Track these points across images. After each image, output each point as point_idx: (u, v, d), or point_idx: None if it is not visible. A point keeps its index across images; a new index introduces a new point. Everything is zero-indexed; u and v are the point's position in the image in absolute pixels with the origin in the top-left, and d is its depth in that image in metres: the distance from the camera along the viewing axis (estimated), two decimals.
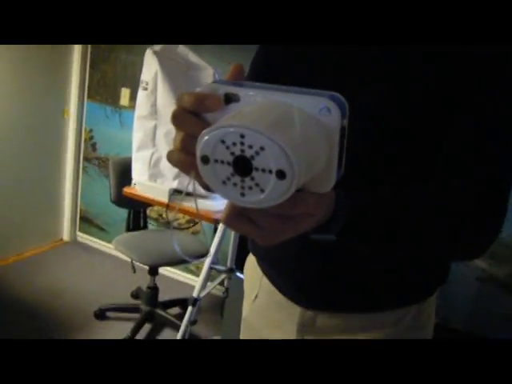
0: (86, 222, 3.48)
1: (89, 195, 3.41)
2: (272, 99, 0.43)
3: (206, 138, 0.40)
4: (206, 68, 2.08)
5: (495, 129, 0.67)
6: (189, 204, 2.00)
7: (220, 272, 2.16)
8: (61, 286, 2.84)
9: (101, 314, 2.57)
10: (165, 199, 2.09)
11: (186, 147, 0.44)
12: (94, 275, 3.06)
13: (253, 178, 0.39)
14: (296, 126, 0.40)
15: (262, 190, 0.40)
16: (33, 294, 2.71)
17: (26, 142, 3.03)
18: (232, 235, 2.15)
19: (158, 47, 2.06)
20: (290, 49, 0.80)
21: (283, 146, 0.37)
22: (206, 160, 0.40)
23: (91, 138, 3.31)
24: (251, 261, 0.99)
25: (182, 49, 2.10)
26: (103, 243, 3.40)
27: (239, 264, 2.12)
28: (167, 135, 2.11)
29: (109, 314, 2.61)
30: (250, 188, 0.40)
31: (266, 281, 0.91)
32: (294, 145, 0.38)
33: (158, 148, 2.14)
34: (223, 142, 0.39)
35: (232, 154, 0.39)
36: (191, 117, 0.44)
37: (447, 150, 0.69)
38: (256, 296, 0.96)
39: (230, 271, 2.10)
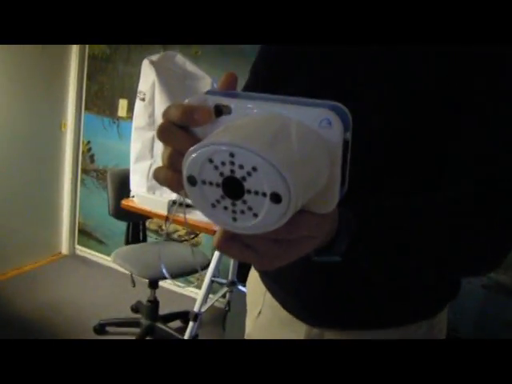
0: (85, 235, 3.45)
1: (87, 208, 3.38)
2: (267, 111, 0.39)
3: (193, 156, 0.36)
4: (204, 77, 2.05)
5: (498, 129, 0.64)
6: (188, 216, 1.97)
7: (221, 285, 2.12)
8: (60, 301, 2.80)
9: (100, 329, 2.53)
10: (164, 211, 2.05)
11: (174, 164, 0.40)
12: (93, 289, 3.03)
13: (245, 202, 0.35)
14: (293, 142, 0.36)
15: (256, 215, 0.35)
16: (32, 308, 2.68)
17: (23, 155, 3.01)
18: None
19: (155, 57, 2.04)
20: (290, 51, 0.77)
21: (278, 166, 0.33)
22: (192, 181, 0.36)
23: (89, 149, 3.28)
24: (254, 275, 0.95)
25: (180, 58, 2.07)
26: (102, 256, 3.36)
27: (241, 277, 2.08)
28: None
29: (108, 328, 2.57)
30: (243, 212, 0.36)
31: (269, 296, 0.88)
32: (291, 164, 0.34)
33: (156, 159, 2.11)
34: (211, 161, 0.35)
35: (221, 174, 0.35)
36: (179, 131, 0.41)
37: (451, 153, 0.66)
38: (259, 312, 0.93)
39: (232, 284, 2.06)
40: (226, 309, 2.04)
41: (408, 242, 0.57)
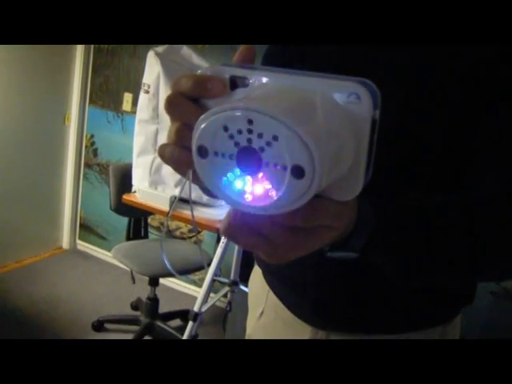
0: (86, 229, 3.42)
1: (89, 202, 3.35)
2: (288, 84, 0.35)
3: (205, 124, 0.32)
4: None
5: None
6: (190, 213, 1.92)
7: (223, 284, 2.07)
8: (59, 296, 2.78)
9: (99, 326, 2.50)
10: (166, 207, 2.01)
11: (182, 140, 0.37)
12: (93, 285, 3.00)
13: (261, 176, 0.32)
14: (318, 114, 0.32)
15: (273, 192, 0.32)
16: (30, 302, 2.65)
17: (25, 147, 2.98)
18: (236, 245, 2.06)
19: (160, 49, 1.99)
20: (306, 45, 0.72)
21: (302, 136, 0.30)
22: (203, 152, 0.33)
23: (92, 143, 3.25)
24: (257, 273, 0.91)
25: (186, 50, 2.02)
26: (103, 252, 3.33)
27: (243, 276, 2.03)
28: None
29: (107, 325, 2.54)
30: (258, 188, 0.32)
31: (272, 296, 0.84)
32: (316, 136, 0.30)
33: None
34: (226, 129, 0.31)
35: (236, 144, 0.31)
36: (189, 103, 0.37)
37: (475, 152, 0.62)
38: (262, 312, 0.89)
39: (234, 284, 2.01)
40: (228, 309, 1.99)
41: (431, 241, 0.52)
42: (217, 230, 1.96)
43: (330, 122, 0.33)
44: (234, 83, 0.37)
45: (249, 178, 0.32)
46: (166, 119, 2.03)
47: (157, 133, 2.06)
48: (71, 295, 2.80)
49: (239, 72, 0.37)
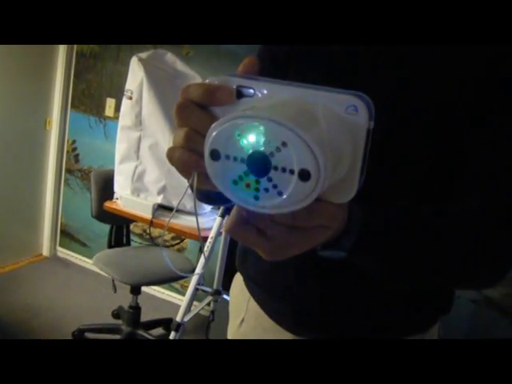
0: (67, 236, 3.35)
1: (70, 209, 3.30)
2: (291, 95, 0.39)
3: (219, 129, 0.35)
4: (195, 77, 1.99)
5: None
6: (173, 220, 1.90)
7: (206, 293, 2.04)
8: (39, 304, 2.71)
9: (79, 335, 2.45)
10: (148, 215, 1.98)
11: (191, 144, 0.40)
12: (74, 293, 2.94)
13: (270, 179, 0.35)
14: (321, 124, 0.36)
15: (280, 193, 0.35)
16: (8, 311, 2.59)
17: (5, 152, 2.91)
18: (219, 254, 2.04)
19: (144, 55, 1.97)
20: (297, 46, 0.74)
21: (309, 142, 0.33)
22: (216, 155, 0.36)
23: (74, 149, 3.20)
24: (238, 280, 0.91)
25: (170, 57, 2.00)
26: (85, 259, 3.27)
27: (227, 285, 2.01)
28: (152, 147, 2.01)
29: (88, 334, 2.48)
30: (266, 190, 0.35)
31: (253, 303, 0.84)
32: (321, 143, 0.34)
33: (142, 161, 2.04)
34: (239, 135, 0.35)
35: (247, 149, 0.35)
36: (198, 109, 0.40)
37: (468, 165, 0.64)
38: (242, 320, 0.88)
39: (217, 293, 1.98)
40: (210, 319, 1.96)
41: (415, 246, 0.57)
42: (199, 239, 1.94)
43: (331, 130, 0.36)
44: (240, 93, 0.40)
45: (257, 180, 0.35)
46: (148, 126, 2.00)
47: (139, 139, 2.03)
48: (51, 304, 2.75)
49: (245, 83, 0.40)
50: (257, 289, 0.83)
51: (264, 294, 0.82)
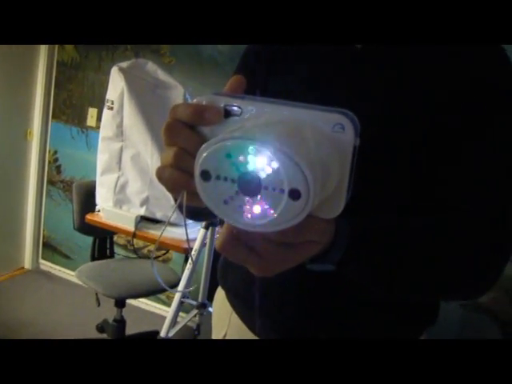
0: (50, 248, 3.29)
1: (52, 220, 3.24)
2: (279, 114, 0.40)
3: (209, 150, 0.36)
4: (176, 87, 1.96)
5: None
6: (157, 232, 1.86)
7: (192, 306, 2.00)
8: (20, 319, 2.65)
9: None
10: (131, 227, 1.94)
11: (180, 163, 0.40)
12: (57, 306, 2.88)
13: (261, 199, 0.35)
14: (310, 143, 0.37)
15: (271, 212, 0.36)
16: None
17: None
18: (204, 266, 2.01)
19: (124, 64, 1.94)
20: (279, 51, 0.74)
21: (299, 163, 0.34)
22: (206, 176, 0.36)
23: (56, 160, 3.15)
24: (220, 294, 0.90)
25: (151, 66, 1.98)
26: (68, 271, 3.21)
27: (212, 298, 1.97)
28: (134, 158, 1.97)
29: None
30: (257, 209, 0.36)
31: (235, 317, 0.83)
32: (310, 162, 0.34)
33: (124, 172, 2.00)
34: (229, 156, 0.35)
35: (238, 169, 0.35)
36: (187, 129, 0.41)
37: (453, 179, 0.65)
38: (225, 334, 0.87)
39: (202, 306, 1.95)
40: (196, 333, 1.92)
41: (403, 257, 0.57)
42: (184, 251, 1.90)
43: (319, 149, 0.37)
44: (227, 112, 0.40)
45: (248, 200, 0.36)
46: (130, 136, 1.97)
47: (121, 150, 2.00)
48: (33, 318, 2.68)
49: (232, 101, 0.40)
50: (238, 303, 0.83)
51: (245, 308, 0.81)
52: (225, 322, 0.87)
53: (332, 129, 0.39)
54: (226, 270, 0.85)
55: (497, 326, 2.26)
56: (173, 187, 0.42)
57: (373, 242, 0.56)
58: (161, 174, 0.42)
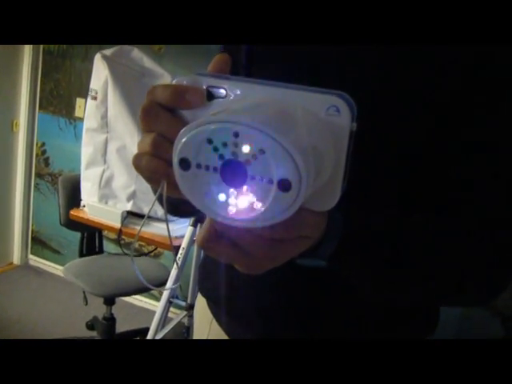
0: (39, 243, 3.23)
1: (41, 215, 3.17)
2: (268, 96, 0.36)
3: (188, 136, 0.32)
4: (163, 75, 1.86)
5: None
6: (145, 229, 1.78)
7: (180, 307, 1.92)
8: (8, 316, 2.60)
9: None
10: (117, 223, 1.85)
11: (158, 150, 0.37)
12: (46, 303, 2.83)
13: (246, 190, 0.32)
14: (301, 127, 0.33)
15: (258, 205, 0.32)
16: None
17: None
18: (193, 265, 1.92)
19: (108, 51, 1.84)
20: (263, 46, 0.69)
21: (290, 150, 0.30)
22: (185, 165, 0.33)
23: (43, 152, 3.07)
24: (201, 301, 0.86)
25: (137, 53, 1.88)
26: (58, 267, 3.14)
27: None
28: (120, 151, 1.89)
29: None
30: (242, 202, 0.33)
31: (216, 325, 0.79)
32: (302, 149, 0.31)
33: (109, 165, 1.91)
34: (210, 141, 0.32)
35: (221, 157, 0.32)
36: (166, 113, 0.37)
37: (456, 171, 0.60)
38: None
39: (191, 308, 1.87)
40: (185, 335, 1.85)
41: (397, 255, 0.53)
42: (172, 248, 1.82)
43: (311, 134, 0.33)
44: (211, 94, 0.37)
45: (233, 191, 0.32)
46: (115, 128, 1.88)
47: (106, 142, 1.91)
48: (22, 315, 2.64)
49: (216, 82, 0.37)
50: (218, 311, 0.79)
51: (225, 316, 0.77)
52: (206, 328, 0.83)
53: (326, 112, 0.35)
54: (206, 274, 0.80)
55: (499, 321, 2.21)
56: (151, 177, 0.39)
57: (368, 237, 0.52)
58: (138, 163, 0.38)
